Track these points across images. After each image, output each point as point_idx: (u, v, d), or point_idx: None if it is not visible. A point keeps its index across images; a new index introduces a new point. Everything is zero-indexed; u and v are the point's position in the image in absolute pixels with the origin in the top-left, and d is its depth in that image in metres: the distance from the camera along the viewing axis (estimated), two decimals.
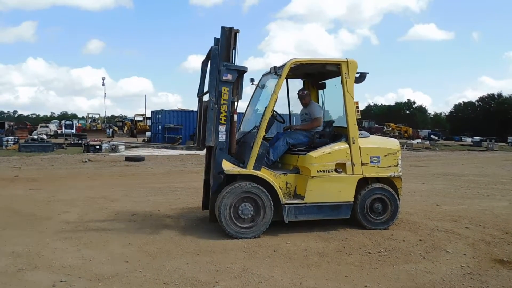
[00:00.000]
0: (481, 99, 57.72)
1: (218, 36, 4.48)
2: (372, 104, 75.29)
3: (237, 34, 4.50)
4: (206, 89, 4.66)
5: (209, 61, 4.49)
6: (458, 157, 19.31)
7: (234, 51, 4.53)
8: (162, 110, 23.40)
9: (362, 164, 4.62)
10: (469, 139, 36.50)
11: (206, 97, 4.62)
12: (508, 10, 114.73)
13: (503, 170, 12.92)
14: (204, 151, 4.92)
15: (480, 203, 6.64)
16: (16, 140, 20.11)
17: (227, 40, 4.45)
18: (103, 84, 44.26)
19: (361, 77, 4.72)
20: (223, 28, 4.45)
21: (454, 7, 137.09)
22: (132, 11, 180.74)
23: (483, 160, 17.60)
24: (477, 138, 33.96)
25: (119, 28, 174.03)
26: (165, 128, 21.96)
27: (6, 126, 30.91)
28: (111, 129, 37.22)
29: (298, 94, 5.27)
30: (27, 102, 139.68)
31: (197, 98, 4.98)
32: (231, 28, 4.47)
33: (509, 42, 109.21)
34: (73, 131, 31.67)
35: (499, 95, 55.06)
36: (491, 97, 56.37)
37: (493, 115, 49.99)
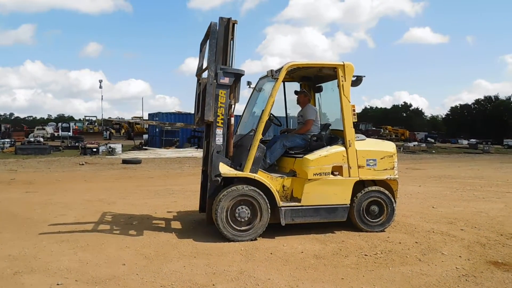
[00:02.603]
0: (477, 101, 58.06)
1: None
2: (369, 107, 75.62)
3: (235, 25, 4.44)
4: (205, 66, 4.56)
5: (209, 38, 4.41)
6: (454, 159, 19.41)
7: (232, 42, 4.49)
8: (160, 112, 23.42)
9: (359, 167, 4.64)
10: (465, 142, 36.72)
11: (204, 75, 4.53)
12: (502, 15, 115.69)
13: (499, 172, 13.01)
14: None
15: (475, 205, 6.69)
16: (12, 142, 20.07)
17: (225, 30, 4.39)
18: (100, 87, 44.33)
19: (357, 81, 4.75)
20: (221, 18, 4.38)
21: (448, 11, 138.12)
22: (130, 15, 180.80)
23: (479, 162, 17.70)
24: (473, 140, 34.16)
25: (117, 31, 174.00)
26: (162, 131, 21.95)
27: (3, 128, 30.75)
28: (108, 132, 37.11)
29: (295, 91, 5.36)
30: (24, 104, 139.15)
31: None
32: (229, 19, 4.41)
33: (503, 46, 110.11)
34: (70, 133, 31.61)
35: (496, 98, 55.39)
36: (487, 99, 56.70)
37: (489, 118, 50.25)
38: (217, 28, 4.37)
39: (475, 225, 5.19)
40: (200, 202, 5.09)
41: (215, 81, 4.34)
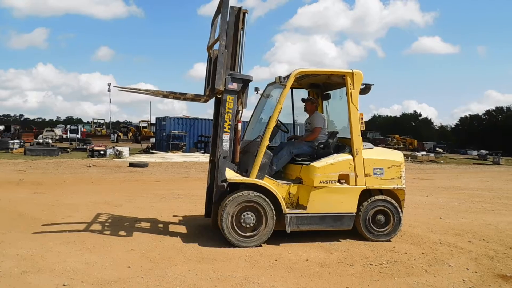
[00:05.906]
0: (488, 112, 57.34)
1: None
2: (377, 115, 75.25)
3: (246, 14, 4.42)
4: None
5: (221, 11, 4.37)
6: (463, 170, 19.16)
7: (242, 31, 4.49)
8: (167, 117, 23.54)
9: (365, 175, 4.62)
10: (474, 153, 36.15)
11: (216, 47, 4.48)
12: None
13: (509, 184, 12.80)
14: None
15: (484, 217, 6.59)
16: (22, 143, 20.34)
17: (235, 19, 4.38)
18: (109, 90, 44.91)
19: (366, 89, 4.74)
20: (232, 7, 4.34)
21: (459, 21, 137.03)
22: (142, 20, 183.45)
23: (489, 174, 17.45)
24: (483, 151, 33.58)
25: (129, 36, 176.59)
26: (170, 135, 22.08)
27: (12, 129, 31.22)
28: (115, 135, 37.45)
29: (302, 99, 5.37)
30: (35, 106, 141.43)
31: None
32: (240, 8, 4.39)
33: None
34: (78, 136, 31.96)
35: (508, 109, 54.62)
36: (498, 110, 55.96)
37: (500, 129, 49.49)
38: (227, 22, 4.32)
39: (483, 238, 5.11)
40: (206, 206, 5.10)
41: (226, 50, 4.29)
